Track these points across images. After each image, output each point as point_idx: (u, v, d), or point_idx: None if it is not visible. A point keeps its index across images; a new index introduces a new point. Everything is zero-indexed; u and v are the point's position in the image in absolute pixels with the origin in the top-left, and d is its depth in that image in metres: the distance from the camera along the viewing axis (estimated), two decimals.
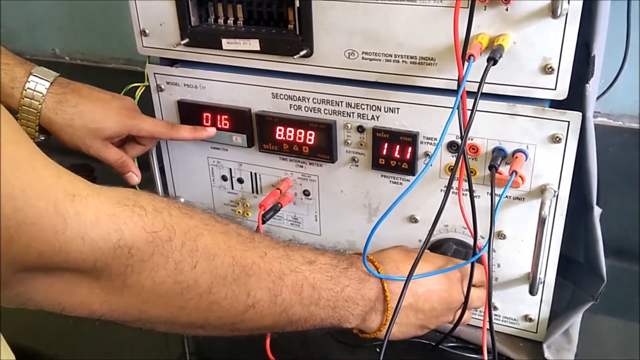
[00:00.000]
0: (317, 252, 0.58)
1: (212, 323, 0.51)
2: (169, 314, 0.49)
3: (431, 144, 0.64)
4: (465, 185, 0.60)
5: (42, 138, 0.72)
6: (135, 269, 0.44)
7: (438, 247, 0.68)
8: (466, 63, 0.54)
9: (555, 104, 0.58)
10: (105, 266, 0.43)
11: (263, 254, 0.53)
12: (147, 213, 0.45)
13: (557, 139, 0.58)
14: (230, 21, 0.70)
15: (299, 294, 0.54)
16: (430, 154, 0.65)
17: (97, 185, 0.43)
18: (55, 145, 0.70)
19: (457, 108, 0.54)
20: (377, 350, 0.59)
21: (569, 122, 0.57)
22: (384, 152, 0.66)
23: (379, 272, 0.60)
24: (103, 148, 0.73)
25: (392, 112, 0.65)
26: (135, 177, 0.77)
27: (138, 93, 0.78)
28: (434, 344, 0.70)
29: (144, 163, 0.80)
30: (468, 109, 0.54)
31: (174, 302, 0.48)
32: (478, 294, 0.65)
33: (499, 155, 0.61)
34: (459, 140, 0.56)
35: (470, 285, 0.62)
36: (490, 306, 0.62)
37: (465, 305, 0.63)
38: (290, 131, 0.70)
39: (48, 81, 0.70)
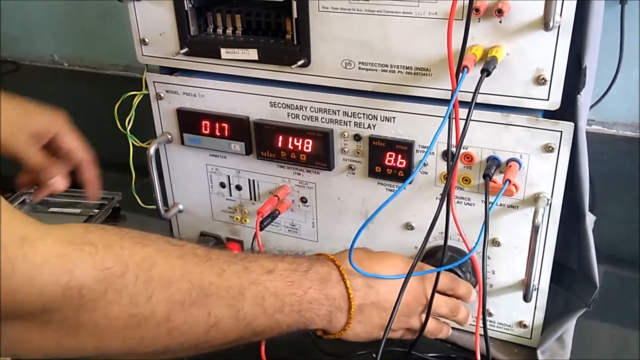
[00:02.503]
0: (275, 259, 0.58)
1: (174, 349, 0.50)
2: (127, 347, 0.48)
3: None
4: (459, 193, 0.61)
5: None
6: (87, 307, 0.44)
7: (433, 254, 0.69)
8: (460, 74, 0.55)
9: (548, 114, 0.59)
10: (56, 309, 0.42)
11: (221, 271, 0.52)
12: (97, 250, 0.44)
13: (550, 148, 0.59)
14: (229, 31, 0.71)
15: (262, 305, 0.54)
16: (426, 162, 0.66)
17: (48, 226, 0.43)
18: None
19: (449, 118, 0.55)
20: (374, 355, 0.59)
21: (561, 132, 0.58)
22: (380, 160, 0.67)
23: (340, 270, 0.59)
24: (30, 146, 0.73)
25: (388, 121, 0.66)
26: (61, 183, 0.76)
27: (136, 101, 0.78)
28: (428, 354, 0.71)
29: (142, 170, 0.81)
30: (462, 119, 0.55)
31: (131, 335, 0.47)
32: (444, 300, 0.64)
33: (493, 164, 0.62)
34: (454, 149, 0.57)
35: (434, 291, 0.61)
36: (484, 312, 0.63)
37: (428, 313, 0.62)
38: (288, 139, 0.71)
39: None
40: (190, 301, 0.49)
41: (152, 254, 0.48)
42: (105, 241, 0.45)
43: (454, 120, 0.56)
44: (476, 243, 0.59)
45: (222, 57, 0.70)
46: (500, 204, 0.64)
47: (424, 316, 0.63)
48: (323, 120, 0.69)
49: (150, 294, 0.47)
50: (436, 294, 0.62)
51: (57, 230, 0.43)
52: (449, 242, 0.68)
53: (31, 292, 0.40)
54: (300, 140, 0.70)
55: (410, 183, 0.56)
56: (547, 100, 0.58)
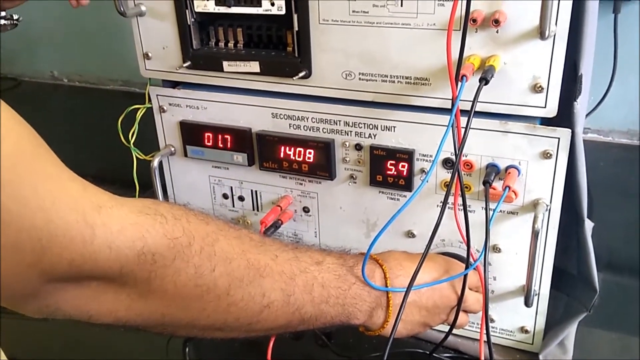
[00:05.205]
0: (324, 253, 0.61)
1: (230, 324, 0.53)
2: (190, 316, 0.51)
3: (427, 160, 0.66)
4: (461, 200, 0.62)
5: None
6: (158, 274, 0.46)
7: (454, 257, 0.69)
8: (459, 83, 0.56)
9: (545, 121, 0.61)
10: (131, 272, 0.45)
11: (274, 256, 0.55)
12: (167, 220, 0.47)
13: (548, 154, 0.60)
14: (231, 44, 0.72)
15: (310, 293, 0.56)
16: (426, 170, 0.67)
17: (119, 197, 0.46)
18: None
19: (452, 126, 0.56)
20: None
21: (559, 138, 0.60)
22: (382, 169, 0.68)
23: (382, 268, 0.61)
24: None
25: (388, 130, 0.67)
26: None
27: (139, 114, 0.79)
28: (428, 352, 0.71)
29: (146, 182, 0.81)
30: (462, 127, 0.56)
31: (194, 305, 0.50)
32: (476, 297, 0.66)
33: (492, 171, 0.63)
34: (454, 157, 0.58)
35: (464, 288, 0.63)
36: (487, 318, 0.63)
37: (459, 307, 0.64)
38: (289, 150, 0.72)
39: None
40: (248, 280, 0.52)
41: (214, 230, 0.51)
42: (173, 214, 0.48)
43: (455, 128, 0.57)
44: (481, 253, 0.61)
45: (225, 70, 0.71)
46: (500, 211, 0.65)
47: (454, 312, 0.65)
48: (324, 130, 0.70)
49: (213, 266, 0.50)
50: (470, 292, 0.64)
51: (128, 201, 0.46)
52: (450, 249, 0.70)
53: (110, 256, 0.43)
54: (302, 150, 0.71)
55: (417, 194, 0.58)
56: (544, 107, 0.59)
